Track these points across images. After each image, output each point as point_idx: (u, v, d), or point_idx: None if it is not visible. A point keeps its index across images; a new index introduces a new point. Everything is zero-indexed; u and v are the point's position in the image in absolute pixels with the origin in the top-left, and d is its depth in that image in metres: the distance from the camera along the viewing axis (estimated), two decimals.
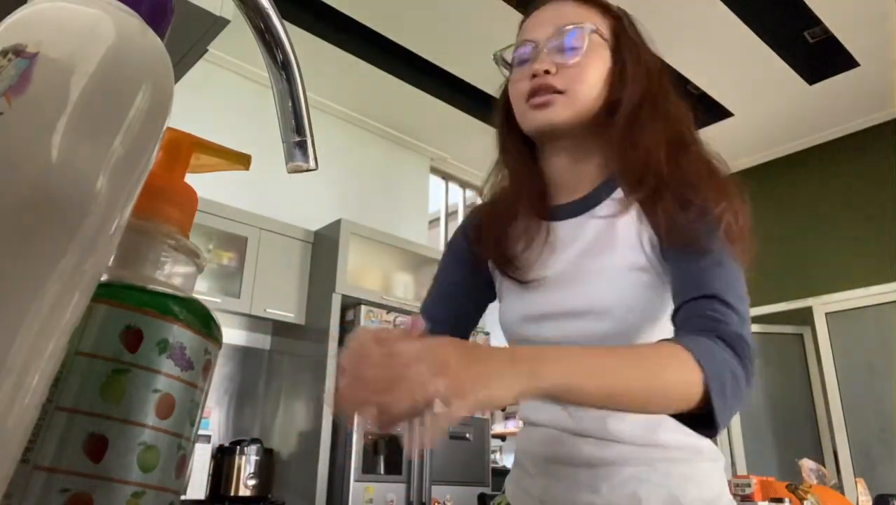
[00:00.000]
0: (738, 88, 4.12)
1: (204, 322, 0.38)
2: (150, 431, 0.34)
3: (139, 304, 0.35)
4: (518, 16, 0.99)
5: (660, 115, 0.87)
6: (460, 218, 5.41)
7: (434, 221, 5.09)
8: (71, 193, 0.26)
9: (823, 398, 4.44)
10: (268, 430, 3.36)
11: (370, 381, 0.52)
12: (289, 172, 0.49)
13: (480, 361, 0.56)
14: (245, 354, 3.48)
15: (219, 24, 1.01)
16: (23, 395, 0.25)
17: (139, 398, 0.34)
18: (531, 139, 0.93)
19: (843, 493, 3.09)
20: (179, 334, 0.36)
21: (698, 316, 0.73)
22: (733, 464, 4.39)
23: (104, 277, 0.36)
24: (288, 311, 3.28)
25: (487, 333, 3.65)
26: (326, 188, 3.96)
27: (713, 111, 4.27)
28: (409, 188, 4.61)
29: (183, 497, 0.38)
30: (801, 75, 3.99)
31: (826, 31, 3.64)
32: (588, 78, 0.86)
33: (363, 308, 3.21)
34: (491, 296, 1.01)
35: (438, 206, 5.09)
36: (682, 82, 4.00)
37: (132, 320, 0.35)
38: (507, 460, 5.74)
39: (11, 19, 0.30)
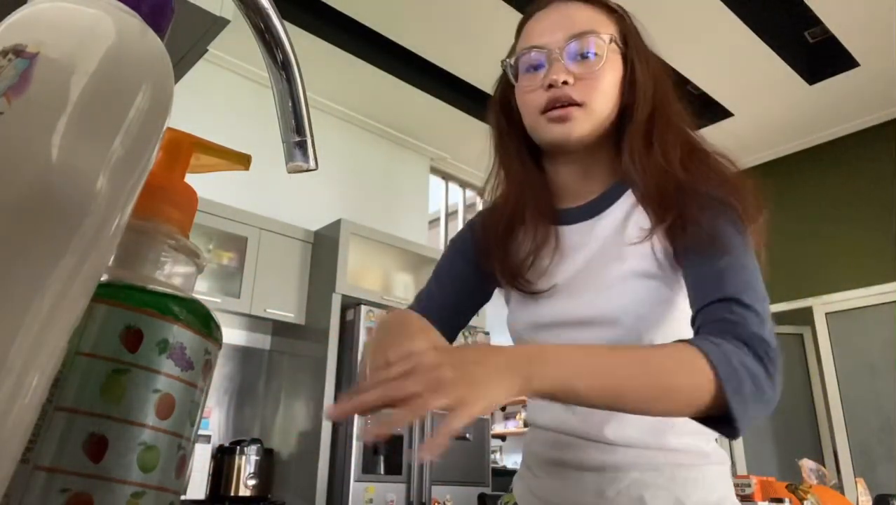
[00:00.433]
0: (738, 88, 4.12)
1: (204, 322, 0.38)
2: (150, 431, 0.34)
3: (139, 304, 0.35)
4: (518, 16, 0.98)
5: (671, 121, 0.86)
6: (460, 218, 5.42)
7: (434, 221, 5.09)
8: (71, 193, 0.26)
9: (823, 398, 4.44)
10: (268, 430, 3.36)
11: (371, 400, 0.53)
12: (289, 172, 0.49)
13: (476, 368, 0.55)
14: (245, 354, 3.48)
15: (219, 24, 1.01)
16: (23, 395, 0.25)
17: (139, 398, 0.34)
18: (532, 145, 0.92)
19: (843, 493, 3.09)
20: (179, 334, 0.36)
21: (716, 319, 0.71)
22: (733, 464, 4.39)
23: (104, 277, 0.36)
24: (288, 311, 3.28)
25: (487, 333, 3.65)
26: (326, 188, 3.96)
27: (713, 111, 4.27)
28: (409, 188, 4.62)
29: (183, 497, 0.38)
30: (801, 75, 3.99)
31: (826, 31, 3.64)
32: (605, 88, 0.84)
33: (363, 308, 3.21)
34: (487, 296, 1.00)
35: (438, 206, 5.10)
36: (682, 82, 4.00)
37: (132, 320, 0.35)
38: (507, 460, 5.74)
39: (11, 19, 0.30)
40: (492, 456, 3.69)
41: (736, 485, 2.31)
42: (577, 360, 0.62)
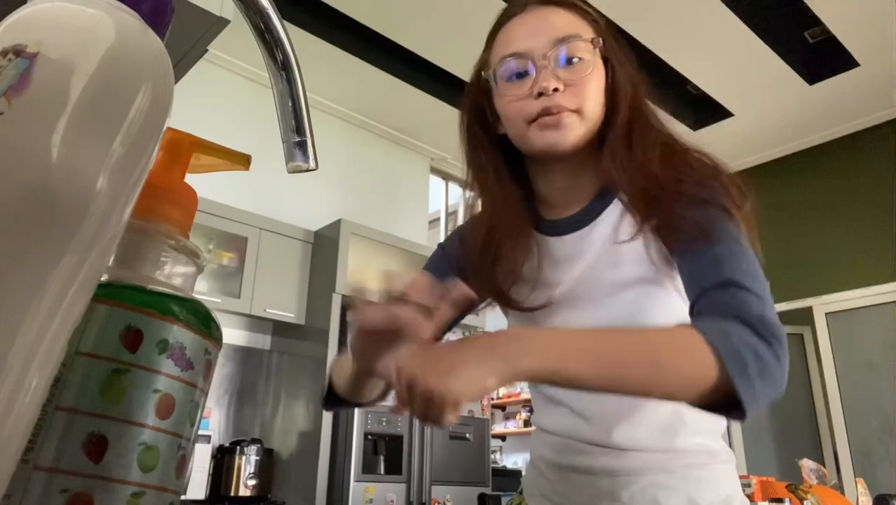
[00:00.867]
0: (738, 88, 4.12)
1: (204, 322, 0.38)
2: (150, 431, 0.34)
3: (139, 304, 0.35)
4: None
5: (650, 122, 0.85)
6: (460, 218, 5.39)
7: (434, 221, 5.09)
8: (71, 193, 0.26)
9: (823, 398, 4.44)
10: (268, 430, 3.37)
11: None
12: (289, 172, 0.49)
13: (450, 358, 0.56)
14: (245, 354, 3.48)
15: (219, 24, 1.01)
16: (23, 395, 0.25)
17: (139, 398, 0.34)
18: (510, 154, 0.90)
19: (843, 493, 3.09)
20: (179, 334, 0.36)
21: (715, 303, 0.69)
22: None
23: (104, 277, 0.36)
24: (288, 311, 3.28)
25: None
26: (326, 188, 3.97)
27: (713, 111, 4.27)
28: (409, 188, 4.61)
29: (183, 497, 0.38)
30: (801, 75, 3.99)
31: (826, 31, 3.64)
32: (594, 94, 0.83)
33: None
34: (472, 308, 0.97)
35: (438, 206, 5.09)
36: (682, 82, 4.01)
37: (132, 320, 0.35)
38: (507, 460, 5.74)
39: (11, 19, 0.30)
40: (492, 456, 3.69)
41: None
42: (564, 339, 0.61)
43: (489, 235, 0.89)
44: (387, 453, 3.08)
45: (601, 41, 0.85)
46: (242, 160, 0.45)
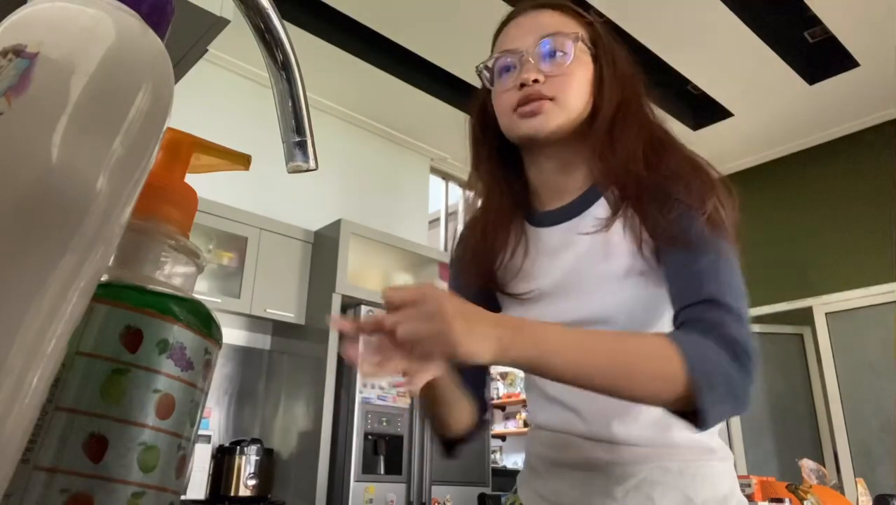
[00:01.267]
0: (738, 88, 4.12)
1: (204, 322, 0.38)
2: (150, 432, 0.34)
3: (139, 304, 0.35)
4: None
5: (635, 120, 0.88)
6: (460, 218, 5.41)
7: (434, 221, 5.09)
8: (71, 193, 0.26)
9: (823, 398, 4.44)
10: (268, 430, 3.37)
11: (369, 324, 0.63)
12: (289, 172, 0.49)
13: (470, 318, 0.61)
14: (245, 354, 3.48)
15: (219, 24, 1.01)
16: (23, 395, 0.25)
17: (139, 398, 0.34)
18: (506, 150, 0.94)
19: (843, 493, 3.09)
20: (179, 334, 0.36)
21: (695, 320, 0.73)
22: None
23: (104, 277, 0.36)
24: (288, 311, 3.28)
25: None
26: (326, 188, 3.96)
27: (713, 111, 4.27)
28: (409, 188, 4.62)
29: (183, 497, 0.38)
30: (801, 75, 3.99)
31: (826, 31, 3.64)
32: (575, 85, 0.88)
33: (363, 308, 3.21)
34: (497, 308, 1.01)
35: (438, 206, 5.09)
36: (682, 82, 4.01)
37: (132, 320, 0.35)
38: (507, 460, 5.74)
39: (11, 19, 0.30)
40: (492, 456, 3.69)
41: None
42: (555, 335, 0.66)
43: (485, 225, 0.95)
44: (387, 453, 3.07)
45: (586, 37, 0.90)
46: (242, 160, 0.45)
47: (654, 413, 0.81)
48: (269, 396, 3.45)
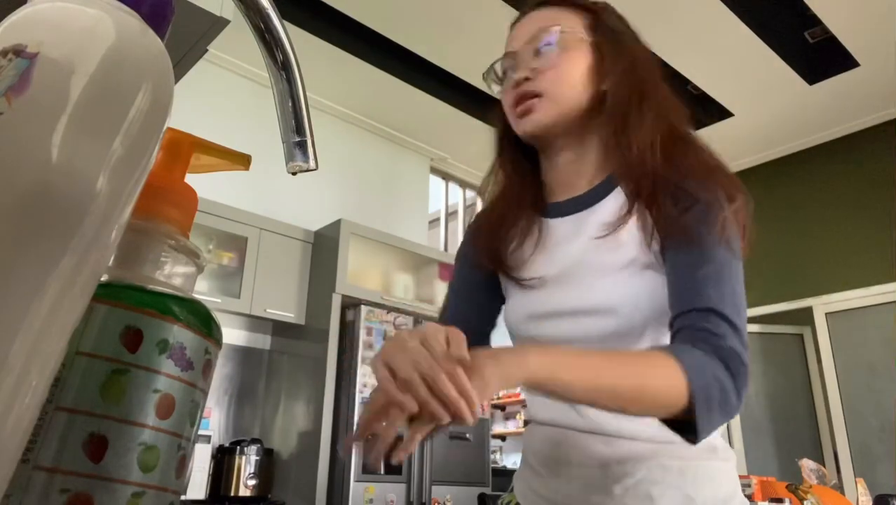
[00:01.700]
0: (738, 88, 4.12)
1: (204, 322, 0.38)
2: (150, 432, 0.34)
3: (139, 304, 0.35)
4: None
5: (651, 109, 0.86)
6: (460, 218, 5.42)
7: (434, 221, 5.09)
8: (71, 193, 0.26)
9: (823, 398, 4.44)
10: (268, 430, 3.36)
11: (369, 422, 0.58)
12: (289, 172, 0.49)
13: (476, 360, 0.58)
14: (245, 354, 3.48)
15: (219, 24, 1.01)
16: (23, 395, 0.25)
17: (139, 398, 0.34)
18: (529, 144, 0.95)
19: (843, 493, 3.09)
20: (179, 334, 0.36)
21: (694, 328, 0.74)
22: None
23: (104, 277, 0.36)
24: (288, 311, 3.28)
25: None
26: (326, 188, 3.96)
27: (713, 111, 4.27)
28: (409, 188, 4.61)
29: (183, 497, 0.38)
30: (801, 75, 3.99)
31: (826, 31, 3.64)
32: (565, 77, 0.87)
33: (363, 308, 3.21)
34: (504, 297, 1.01)
35: (438, 206, 5.09)
36: (682, 82, 4.01)
37: (132, 320, 0.35)
38: (507, 460, 5.74)
39: (11, 19, 0.30)
40: (492, 456, 3.69)
41: None
42: (563, 355, 0.65)
43: (504, 210, 0.96)
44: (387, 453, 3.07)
45: (586, 28, 0.89)
46: (242, 160, 0.45)
47: None
48: (269, 396, 3.45)
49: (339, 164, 4.14)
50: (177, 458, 0.36)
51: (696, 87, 4.08)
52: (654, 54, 0.94)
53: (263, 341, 3.56)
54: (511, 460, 5.71)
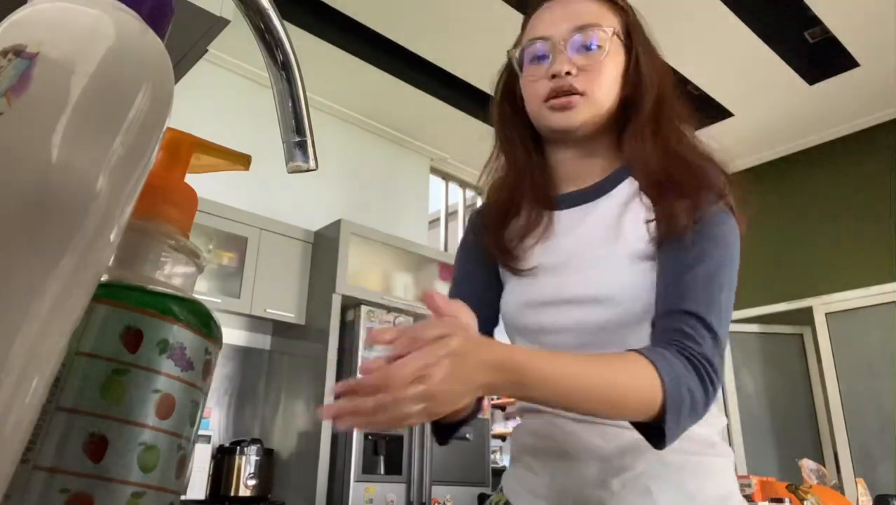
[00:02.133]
0: (738, 88, 4.12)
1: (204, 322, 0.38)
2: (151, 432, 0.34)
3: (139, 304, 0.35)
4: (518, 16, 0.99)
5: (673, 114, 0.88)
6: (460, 218, 5.42)
7: (434, 221, 5.09)
8: (71, 193, 0.26)
9: (823, 398, 4.44)
10: (268, 430, 3.36)
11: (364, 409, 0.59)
12: (289, 172, 0.49)
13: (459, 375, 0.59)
14: (245, 354, 3.48)
15: (219, 24, 1.01)
16: (23, 395, 0.25)
17: (139, 398, 0.34)
18: (537, 132, 0.94)
19: (843, 493, 3.09)
20: (179, 334, 0.36)
21: (675, 330, 0.74)
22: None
23: (104, 277, 0.36)
24: (288, 311, 3.28)
25: None
26: (326, 188, 3.96)
27: (713, 111, 4.27)
28: (409, 188, 4.61)
29: (183, 497, 0.38)
30: (801, 75, 3.99)
31: (826, 31, 3.64)
32: (606, 79, 0.87)
33: (363, 308, 3.21)
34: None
35: (438, 206, 5.09)
36: (682, 82, 4.00)
37: (132, 320, 0.35)
38: (506, 460, 5.74)
39: (11, 19, 0.30)
40: (492, 456, 3.68)
41: None
42: (542, 357, 0.66)
43: (510, 200, 0.95)
44: (387, 453, 3.07)
45: (623, 30, 0.89)
46: (242, 160, 0.45)
47: None
48: (269, 396, 3.45)
49: (339, 164, 4.14)
50: (177, 458, 0.36)
51: (696, 87, 4.08)
52: (664, 60, 0.95)
53: (263, 341, 3.56)
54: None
